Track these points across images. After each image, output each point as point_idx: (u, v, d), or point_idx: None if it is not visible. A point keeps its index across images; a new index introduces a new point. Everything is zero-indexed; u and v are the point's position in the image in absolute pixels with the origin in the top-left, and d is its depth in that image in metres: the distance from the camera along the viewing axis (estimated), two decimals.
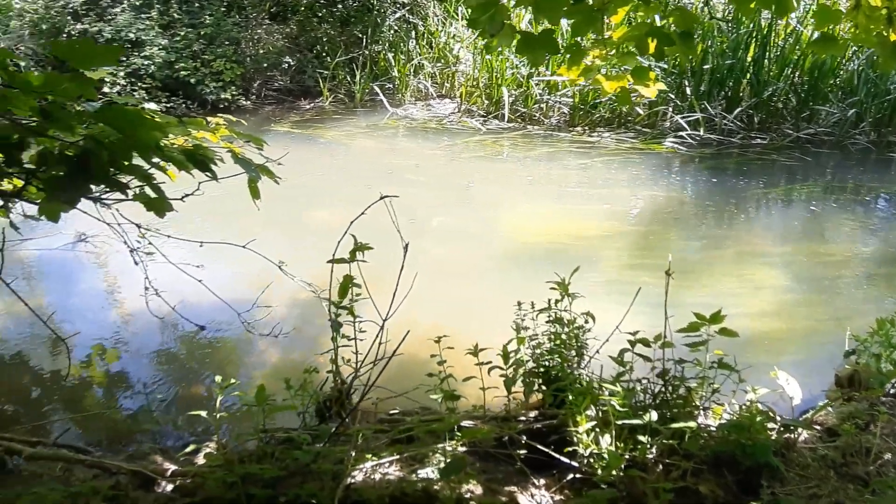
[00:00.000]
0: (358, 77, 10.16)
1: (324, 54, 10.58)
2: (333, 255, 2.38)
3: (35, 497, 1.82)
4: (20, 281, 4.47)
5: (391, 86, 10.37)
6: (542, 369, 2.76)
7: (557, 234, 5.53)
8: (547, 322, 2.83)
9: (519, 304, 2.89)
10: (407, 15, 10.98)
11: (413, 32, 10.77)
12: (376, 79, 10.34)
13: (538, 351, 2.78)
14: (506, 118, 9.03)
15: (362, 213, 2.42)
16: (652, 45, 2.69)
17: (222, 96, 9.16)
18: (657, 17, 2.84)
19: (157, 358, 3.70)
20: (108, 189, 2.50)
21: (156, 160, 2.26)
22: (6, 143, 2.29)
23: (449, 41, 10.51)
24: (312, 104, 10.09)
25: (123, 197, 2.62)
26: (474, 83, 9.82)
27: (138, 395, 3.41)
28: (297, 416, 2.52)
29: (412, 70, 10.29)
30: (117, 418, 3.22)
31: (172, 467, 2.25)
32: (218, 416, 2.15)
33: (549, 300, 2.83)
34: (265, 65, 9.98)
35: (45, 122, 2.12)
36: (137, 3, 9.45)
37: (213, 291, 3.51)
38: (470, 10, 2.85)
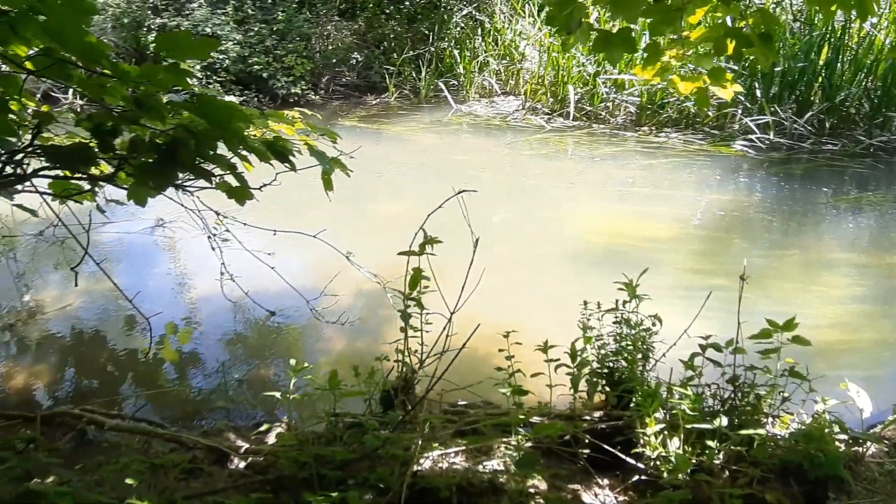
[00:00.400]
0: (423, 73, 10.26)
1: (390, 51, 10.72)
2: (410, 246, 2.41)
3: (120, 466, 1.93)
4: (112, 263, 4.75)
5: (456, 82, 10.42)
6: (606, 370, 2.75)
7: (621, 235, 5.46)
8: (614, 323, 2.82)
9: (585, 303, 2.88)
10: (473, 12, 11.00)
11: (479, 29, 10.78)
12: (441, 75, 10.41)
13: (603, 351, 2.77)
14: (571, 116, 8.94)
15: (439, 207, 2.45)
16: (730, 47, 2.63)
17: (292, 90, 9.41)
18: (734, 18, 2.76)
19: (228, 340, 3.86)
20: (192, 177, 2.62)
21: (241, 150, 2.35)
22: (101, 129, 2.44)
23: (515, 38, 10.47)
24: (378, 100, 10.24)
25: (206, 185, 2.75)
26: (539, 81, 9.75)
27: (209, 374, 3.55)
28: (363, 402, 2.58)
29: (477, 67, 10.31)
30: (190, 395, 3.37)
31: (245, 445, 2.34)
32: (291, 397, 2.22)
33: (617, 301, 2.80)
34: (334, 60, 10.20)
35: (138, 110, 2.24)
36: None
37: (285, 278, 3.62)
38: (548, 8, 2.86)
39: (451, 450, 2.12)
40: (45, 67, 2.04)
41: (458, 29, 10.88)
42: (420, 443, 2.09)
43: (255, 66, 9.26)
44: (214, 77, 9.19)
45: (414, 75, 10.45)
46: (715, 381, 2.45)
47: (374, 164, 6.96)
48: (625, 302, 2.77)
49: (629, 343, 2.75)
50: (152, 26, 9.56)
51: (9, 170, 2.83)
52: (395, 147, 8.08)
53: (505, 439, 2.21)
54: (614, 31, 2.68)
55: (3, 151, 2.67)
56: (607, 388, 2.69)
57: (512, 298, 4.14)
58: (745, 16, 2.73)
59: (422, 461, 2.05)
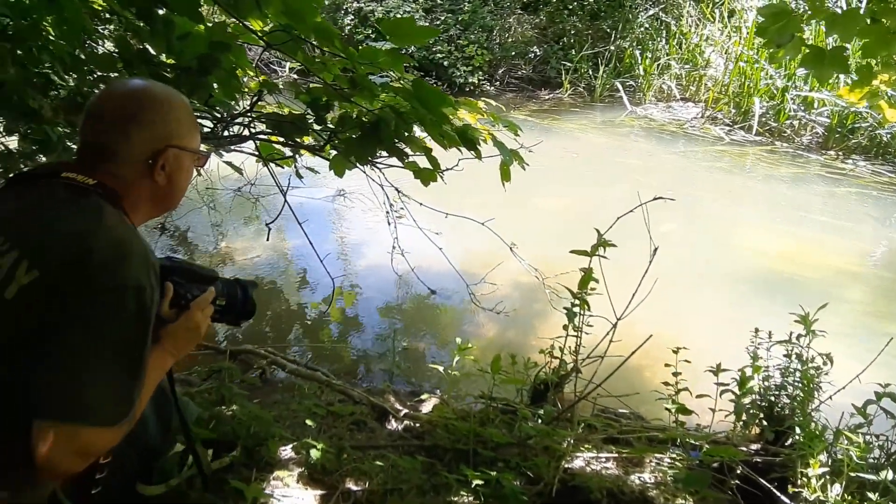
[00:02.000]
0: (601, 72, 10.05)
1: (569, 47, 10.62)
2: (597, 246, 2.41)
3: (304, 407, 2.15)
4: (287, 223, 5.20)
5: (633, 84, 10.10)
6: (766, 403, 2.62)
7: (791, 262, 5.04)
8: (784, 356, 2.65)
9: (756, 330, 2.75)
10: (659, 13, 10.58)
11: (664, 31, 10.35)
12: (619, 75, 10.14)
13: (766, 383, 2.63)
14: (753, 130, 8.34)
15: (630, 212, 2.44)
16: None
17: (469, 80, 9.66)
18: None
19: (388, 309, 4.09)
20: (387, 154, 2.81)
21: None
22: (318, 103, 2.69)
23: (701, 43, 9.93)
24: (551, 95, 10.20)
25: (395, 163, 2.93)
26: (723, 89, 9.18)
27: (367, 338, 3.80)
28: (515, 391, 2.64)
29: (658, 70, 9.91)
30: (351, 354, 3.63)
31: (403, 409, 2.49)
32: (453, 373, 2.33)
33: (790, 333, 2.64)
34: (512, 53, 10.31)
35: (353, 89, 2.43)
36: None
37: (450, 260, 3.77)
38: (761, 19, 2.73)
39: (604, 454, 2.12)
40: (282, 42, 2.28)
41: (642, 29, 10.52)
42: (572, 441, 2.10)
43: (438, 55, 9.60)
44: None
45: (590, 73, 10.27)
46: (884, 432, 2.28)
47: (541, 159, 6.93)
48: (798, 336, 2.61)
49: (796, 379, 2.61)
50: (349, 9, 10.24)
51: (232, 130, 3.22)
52: (563, 144, 8.02)
53: (659, 454, 2.16)
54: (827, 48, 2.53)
55: (225, 113, 3.05)
56: (765, 422, 2.58)
57: (672, 312, 3.98)
58: None
59: (573, 459, 2.06)
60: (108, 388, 0.98)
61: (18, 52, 2.01)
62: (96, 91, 2.44)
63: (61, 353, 0.96)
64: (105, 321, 0.98)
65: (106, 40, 2.89)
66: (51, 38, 2.13)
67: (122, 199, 1.13)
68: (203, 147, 1.30)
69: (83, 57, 2.36)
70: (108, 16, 2.70)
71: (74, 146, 2.20)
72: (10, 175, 1.29)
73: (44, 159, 2.24)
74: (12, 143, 2.39)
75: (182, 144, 1.19)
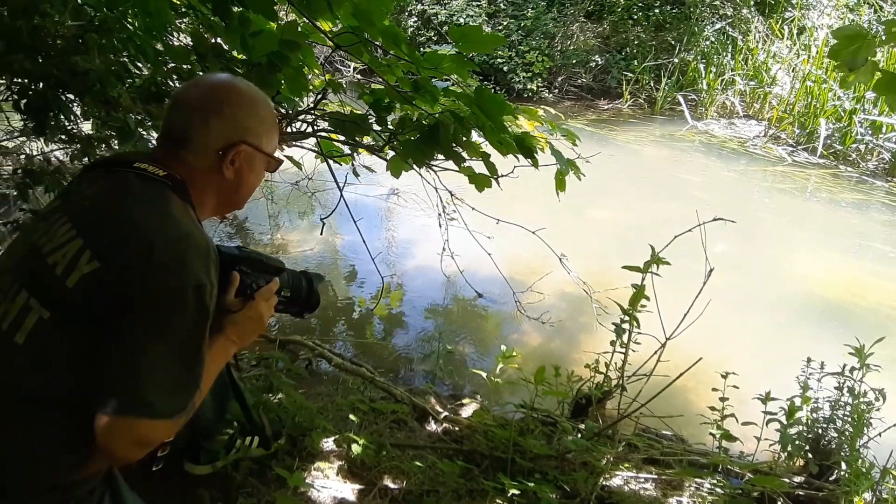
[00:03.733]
0: (663, 84, 9.87)
1: (631, 57, 10.47)
2: (650, 263, 2.38)
3: (349, 402, 2.19)
4: (340, 218, 5.30)
5: (695, 97, 9.89)
6: (812, 435, 2.57)
7: (849, 292, 4.84)
8: (835, 388, 2.58)
9: (808, 360, 2.68)
10: (727, 27, 10.32)
11: (730, 46, 10.09)
12: (681, 88, 9.94)
13: (815, 415, 2.58)
14: (818, 152, 8.03)
15: (688, 231, 2.40)
16: None
17: (528, 86, 9.63)
18: None
19: (433, 310, 4.12)
20: (443, 157, 2.83)
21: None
22: (380, 104, 2.74)
23: (767, 60, 9.64)
24: (610, 105, 10.08)
25: (451, 166, 2.95)
26: (788, 108, 8.89)
27: (411, 337, 3.83)
28: (556, 402, 2.63)
29: (721, 84, 9.67)
30: (395, 352, 3.66)
31: (443, 412, 2.51)
32: (495, 380, 2.33)
33: (843, 365, 2.56)
34: (573, 61, 10.22)
35: (415, 92, 2.47)
36: None
37: (498, 266, 3.77)
38: (833, 41, 2.65)
39: (644, 475, 2.09)
40: (351, 45, 2.33)
41: (708, 42, 10.28)
42: (612, 458, 2.08)
43: (499, 60, 9.60)
44: None
45: (652, 85, 10.10)
46: None
47: (597, 169, 6.87)
48: (852, 368, 2.53)
49: (846, 413, 2.54)
50: (413, 12, 10.34)
51: (296, 127, 3.31)
52: (619, 155, 7.90)
53: (700, 479, 2.12)
54: None
55: (290, 110, 3.13)
56: (810, 455, 2.53)
57: (721, 334, 3.89)
58: None
59: (612, 477, 2.04)
60: (167, 383, 1.01)
61: (103, 42, 2.11)
62: (170, 81, 2.56)
63: (122, 349, 0.99)
64: (165, 319, 1.00)
65: (181, 33, 3.02)
66: (135, 27, 2.23)
67: (191, 190, 1.14)
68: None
69: (160, 48, 2.46)
70: (184, 10, 2.81)
71: (149, 135, 2.30)
72: (88, 163, 1.33)
73: (118, 147, 2.35)
74: (85, 126, 2.51)
75: (257, 144, 1.20)
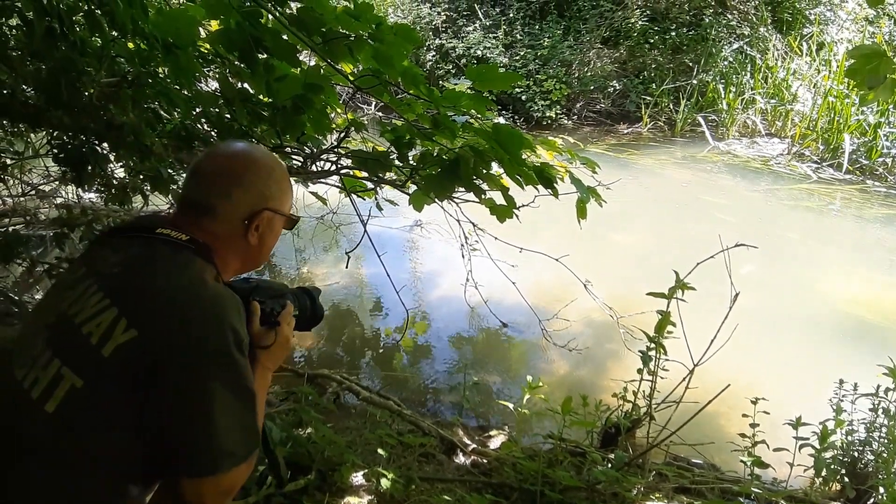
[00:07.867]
0: (682, 106, 9.88)
1: (649, 80, 10.51)
2: (675, 289, 2.38)
3: (377, 436, 2.21)
4: (365, 251, 5.37)
5: (715, 118, 9.87)
6: (848, 459, 2.53)
7: (880, 311, 4.74)
8: (870, 409, 2.53)
9: (841, 382, 2.64)
10: (745, 47, 10.32)
11: (749, 65, 10.08)
12: (701, 110, 9.93)
13: (850, 438, 2.55)
14: (843, 168, 7.94)
15: (710, 258, 2.40)
16: None
17: (547, 114, 9.70)
18: None
19: (458, 340, 4.14)
20: (464, 190, 2.88)
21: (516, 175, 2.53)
22: (401, 141, 2.80)
23: (788, 77, 9.60)
24: (630, 129, 10.10)
25: (472, 199, 3.00)
26: (811, 125, 8.82)
27: (436, 368, 3.84)
28: (584, 432, 2.61)
29: (742, 104, 9.64)
30: (421, 383, 3.68)
31: (471, 444, 2.51)
32: (522, 410, 2.34)
33: (877, 386, 2.52)
34: (591, 87, 10.29)
35: (435, 128, 2.53)
36: (488, 24, 10.50)
37: (522, 295, 3.78)
38: (851, 60, 2.65)
39: None
40: (371, 86, 2.41)
41: (726, 63, 10.28)
42: (643, 489, 2.06)
43: (516, 89, 9.71)
44: None
45: (671, 107, 10.11)
46: None
47: (619, 194, 6.87)
48: (886, 389, 2.48)
49: (882, 435, 2.52)
50: (431, 46, 10.54)
51: (320, 165, 3.39)
52: (642, 179, 7.90)
53: None
54: None
55: (314, 148, 3.21)
56: (846, 479, 2.50)
57: (750, 358, 3.83)
58: None
59: None
60: (237, 430, 1.06)
61: (136, 96, 2.21)
62: (198, 125, 2.66)
63: (185, 414, 1.02)
64: (218, 378, 1.04)
65: (209, 79, 3.13)
66: (166, 82, 2.34)
67: (214, 255, 1.18)
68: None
69: (189, 95, 2.57)
70: (211, 57, 2.93)
71: (180, 177, 2.39)
72: (109, 228, 1.38)
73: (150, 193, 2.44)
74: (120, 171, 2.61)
75: (276, 207, 1.25)
